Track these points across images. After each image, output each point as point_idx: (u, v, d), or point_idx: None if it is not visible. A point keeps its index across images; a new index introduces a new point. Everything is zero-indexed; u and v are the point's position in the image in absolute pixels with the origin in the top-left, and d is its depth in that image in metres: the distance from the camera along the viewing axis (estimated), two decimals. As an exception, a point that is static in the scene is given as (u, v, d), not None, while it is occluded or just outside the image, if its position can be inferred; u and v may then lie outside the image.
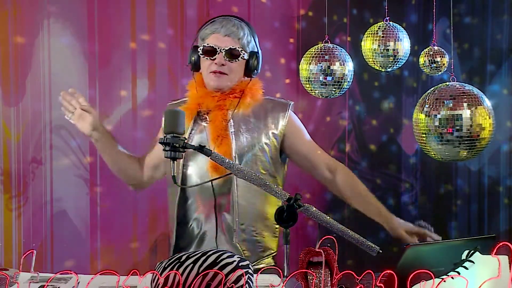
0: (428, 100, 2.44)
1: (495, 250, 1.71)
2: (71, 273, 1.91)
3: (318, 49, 2.94)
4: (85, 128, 2.55)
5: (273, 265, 2.60)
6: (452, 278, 1.78)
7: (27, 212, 3.55)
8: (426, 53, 2.73)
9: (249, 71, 2.57)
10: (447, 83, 2.48)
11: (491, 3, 4.01)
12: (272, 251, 2.62)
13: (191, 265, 1.83)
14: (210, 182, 2.48)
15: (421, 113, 2.45)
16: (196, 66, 2.57)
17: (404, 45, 2.90)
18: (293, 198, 1.90)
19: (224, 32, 2.51)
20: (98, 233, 3.65)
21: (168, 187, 2.66)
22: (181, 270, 1.82)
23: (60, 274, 1.95)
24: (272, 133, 2.57)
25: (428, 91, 2.49)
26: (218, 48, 2.50)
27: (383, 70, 2.97)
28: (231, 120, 2.53)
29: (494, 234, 2.10)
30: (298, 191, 2.10)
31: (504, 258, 1.73)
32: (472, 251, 1.86)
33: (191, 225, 2.55)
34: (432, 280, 1.74)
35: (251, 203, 2.53)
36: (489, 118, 2.38)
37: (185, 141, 2.03)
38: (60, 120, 3.54)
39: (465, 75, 4.10)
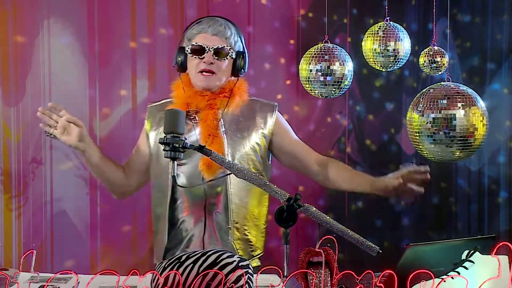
0: (422, 99, 2.44)
1: (495, 250, 1.71)
2: (71, 273, 1.91)
3: (318, 49, 2.94)
4: (71, 141, 2.47)
5: (271, 266, 2.60)
6: (452, 278, 1.78)
7: (27, 212, 3.55)
8: (426, 53, 2.73)
9: (236, 70, 2.58)
10: (442, 82, 2.48)
11: (491, 3, 4.01)
12: (260, 252, 2.62)
13: (191, 265, 1.83)
14: (195, 186, 2.49)
15: (415, 112, 2.45)
16: (182, 67, 2.58)
17: (404, 45, 2.90)
18: (293, 198, 1.90)
19: (211, 32, 2.53)
20: (98, 233, 3.65)
21: (154, 188, 2.61)
22: (181, 270, 1.82)
23: (60, 274, 1.95)
24: (262, 132, 2.59)
25: (423, 91, 2.49)
26: (207, 47, 2.51)
27: (383, 70, 2.97)
28: (221, 120, 2.54)
29: (494, 234, 2.10)
30: (297, 191, 2.10)
31: (504, 258, 1.73)
32: (472, 251, 1.86)
33: (179, 226, 2.54)
34: (432, 280, 1.74)
35: (244, 202, 2.54)
36: (483, 118, 2.38)
37: (185, 141, 2.03)
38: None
39: (465, 75, 4.10)
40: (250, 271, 1.86)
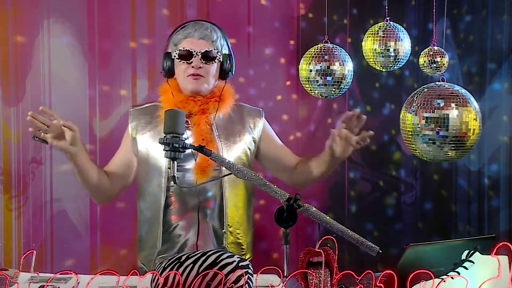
0: (416, 99, 2.44)
1: (495, 250, 1.71)
2: (71, 273, 1.91)
3: (317, 49, 2.94)
4: (63, 145, 2.38)
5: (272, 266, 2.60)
6: (452, 278, 1.78)
7: (27, 212, 3.55)
8: (426, 53, 2.73)
9: (223, 73, 2.60)
10: (437, 82, 2.48)
11: (491, 3, 4.01)
12: (250, 256, 2.62)
13: (191, 265, 1.83)
14: (195, 186, 2.48)
15: (408, 111, 2.45)
16: (170, 72, 2.59)
17: (404, 45, 2.90)
18: (293, 198, 1.90)
19: (198, 36, 2.53)
20: (98, 233, 3.65)
21: (144, 192, 2.58)
22: (181, 270, 1.82)
23: (60, 274, 1.95)
24: (252, 137, 2.62)
25: (417, 90, 2.49)
26: (194, 51, 2.52)
27: (383, 70, 2.97)
28: (214, 124, 2.54)
29: (494, 234, 2.10)
30: (297, 191, 2.10)
31: (504, 258, 1.73)
32: (472, 251, 1.86)
33: (172, 230, 2.53)
34: (432, 280, 1.74)
35: (237, 206, 2.56)
36: (476, 119, 2.38)
37: (185, 141, 2.03)
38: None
39: (465, 75, 4.10)
40: (250, 271, 1.86)
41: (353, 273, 1.80)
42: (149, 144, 2.54)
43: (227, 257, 1.85)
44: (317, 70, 2.91)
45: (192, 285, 1.77)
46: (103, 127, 3.61)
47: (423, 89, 2.45)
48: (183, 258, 1.87)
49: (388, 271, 1.73)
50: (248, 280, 1.82)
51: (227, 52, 2.60)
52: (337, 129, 2.41)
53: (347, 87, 2.97)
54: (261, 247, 3.92)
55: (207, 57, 2.53)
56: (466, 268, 1.84)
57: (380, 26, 2.92)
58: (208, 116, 2.54)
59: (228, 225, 2.52)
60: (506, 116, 3.93)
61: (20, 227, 3.54)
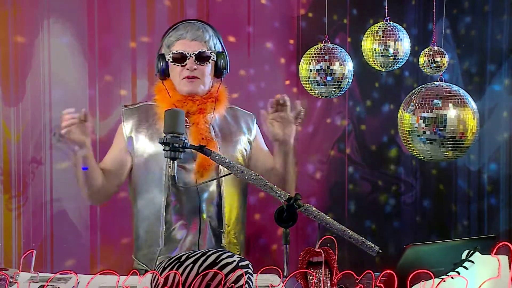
0: (414, 98, 2.44)
1: (495, 250, 1.71)
2: (71, 273, 1.91)
3: (318, 49, 2.94)
4: (82, 140, 2.34)
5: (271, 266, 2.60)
6: (452, 278, 1.78)
7: (27, 212, 3.55)
8: (426, 53, 2.73)
9: (218, 72, 2.60)
10: (435, 82, 2.48)
11: (491, 3, 4.01)
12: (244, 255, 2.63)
13: (191, 265, 1.83)
14: (196, 186, 2.49)
15: (406, 111, 2.45)
16: (164, 74, 2.59)
17: (404, 45, 2.90)
18: (293, 198, 1.90)
19: (190, 37, 2.53)
20: (98, 233, 3.65)
21: (142, 191, 2.57)
22: (181, 270, 1.81)
23: (60, 274, 1.95)
24: (248, 138, 2.64)
25: (415, 90, 2.49)
26: (188, 54, 2.52)
27: (383, 70, 2.97)
28: (211, 124, 2.56)
29: (494, 234, 2.10)
30: (297, 191, 2.10)
31: (504, 258, 1.73)
32: (472, 251, 1.86)
33: (173, 230, 2.53)
34: (432, 280, 1.74)
35: (234, 207, 2.57)
36: (474, 119, 2.38)
37: (185, 140, 2.03)
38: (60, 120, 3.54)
39: (465, 75, 4.10)
40: (250, 271, 1.86)
41: (353, 273, 1.79)
42: (146, 143, 2.54)
43: (227, 257, 1.85)
44: (317, 70, 2.91)
45: (192, 285, 1.77)
46: (103, 127, 3.61)
47: (421, 89, 2.46)
48: (183, 258, 1.87)
49: (388, 271, 1.73)
50: (248, 280, 1.82)
51: (220, 50, 2.60)
52: (265, 112, 2.43)
53: (347, 87, 2.97)
54: (260, 246, 3.92)
55: (201, 58, 2.53)
56: (466, 268, 1.84)
57: (379, 26, 2.92)
58: (206, 116, 2.55)
59: (226, 224, 2.54)
60: (506, 113, 3.93)
61: (20, 227, 3.54)
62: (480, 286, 1.62)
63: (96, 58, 3.62)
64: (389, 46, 2.89)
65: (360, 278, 1.80)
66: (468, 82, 4.06)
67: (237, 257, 1.86)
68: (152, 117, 2.57)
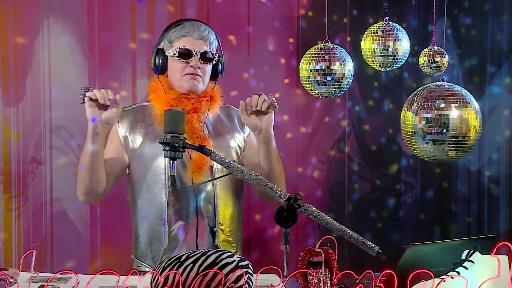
0: (416, 99, 2.44)
1: (495, 250, 1.71)
2: (71, 273, 1.91)
3: (318, 49, 2.94)
4: (114, 114, 2.40)
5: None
6: (452, 278, 1.78)
7: (27, 212, 3.55)
8: (426, 53, 2.73)
9: (215, 74, 2.64)
10: (437, 82, 2.48)
11: (491, 3, 4.01)
12: (239, 254, 2.63)
13: (191, 265, 1.83)
14: (192, 186, 2.49)
15: (409, 111, 2.45)
16: (162, 69, 2.59)
17: (403, 45, 2.90)
18: (293, 198, 1.90)
19: (197, 36, 2.56)
20: (98, 233, 3.65)
21: (142, 190, 2.58)
22: (181, 270, 1.82)
23: (60, 274, 1.95)
24: (242, 136, 2.66)
25: (417, 90, 2.49)
26: (194, 51, 2.54)
27: (382, 70, 2.97)
28: (205, 123, 2.57)
29: (494, 234, 2.11)
30: (297, 191, 2.10)
31: (504, 258, 1.73)
32: (472, 251, 1.87)
33: (172, 229, 2.54)
34: (432, 280, 1.74)
35: (229, 205, 2.59)
36: (476, 119, 2.38)
37: (185, 140, 2.03)
38: (60, 120, 3.54)
39: (465, 75, 4.10)
40: (250, 271, 1.86)
41: (353, 273, 1.80)
42: (144, 143, 2.55)
43: (227, 257, 1.85)
44: (317, 70, 2.91)
45: (192, 285, 1.77)
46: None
47: (423, 90, 2.46)
48: (183, 258, 1.87)
49: (388, 271, 1.73)
50: (248, 280, 1.82)
51: (219, 54, 2.64)
52: (242, 102, 2.47)
53: (347, 87, 2.97)
54: (260, 246, 3.92)
55: (205, 57, 2.57)
56: (466, 268, 1.84)
57: (379, 26, 2.92)
58: (200, 115, 2.56)
59: (220, 223, 2.54)
60: (507, 111, 3.93)
61: (20, 227, 3.54)
62: (480, 286, 1.62)
63: (96, 58, 3.62)
64: (388, 46, 2.88)
65: (360, 278, 1.80)
66: (468, 82, 4.06)
67: (237, 257, 1.86)
68: (148, 117, 2.58)
